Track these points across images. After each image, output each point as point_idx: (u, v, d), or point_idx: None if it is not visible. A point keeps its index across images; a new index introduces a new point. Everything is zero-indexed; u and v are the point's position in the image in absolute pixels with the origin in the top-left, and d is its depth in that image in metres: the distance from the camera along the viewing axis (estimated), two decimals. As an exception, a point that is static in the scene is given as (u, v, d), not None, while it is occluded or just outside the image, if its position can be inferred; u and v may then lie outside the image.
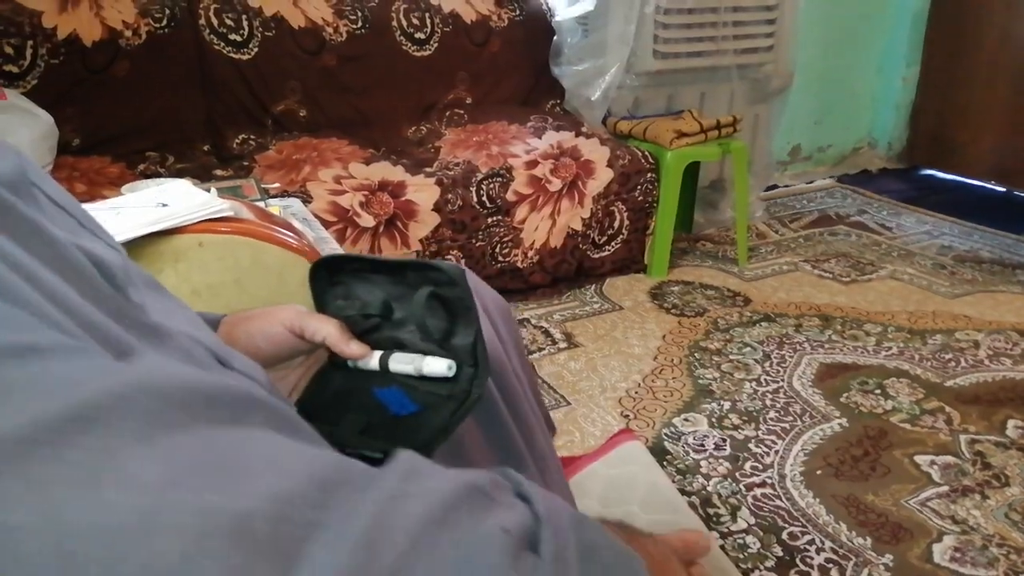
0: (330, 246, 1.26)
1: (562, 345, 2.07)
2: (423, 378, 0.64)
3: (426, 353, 0.65)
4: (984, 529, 1.40)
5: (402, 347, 0.67)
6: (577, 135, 2.38)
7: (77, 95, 2.07)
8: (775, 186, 3.42)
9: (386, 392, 0.64)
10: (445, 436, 0.61)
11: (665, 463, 1.57)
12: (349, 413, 0.65)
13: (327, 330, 0.66)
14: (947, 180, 3.60)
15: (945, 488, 1.51)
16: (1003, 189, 3.41)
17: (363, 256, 0.69)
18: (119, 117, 2.14)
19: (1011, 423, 1.72)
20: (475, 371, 0.63)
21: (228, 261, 1.01)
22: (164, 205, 1.01)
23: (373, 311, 0.67)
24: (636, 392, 1.84)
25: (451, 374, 0.63)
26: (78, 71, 2.06)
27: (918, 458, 1.60)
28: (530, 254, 2.27)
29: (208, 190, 1.04)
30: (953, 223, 3.02)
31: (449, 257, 2.13)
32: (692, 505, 1.44)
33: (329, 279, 0.70)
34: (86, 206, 1.04)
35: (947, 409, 1.77)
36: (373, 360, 0.66)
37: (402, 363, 0.65)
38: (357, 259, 0.69)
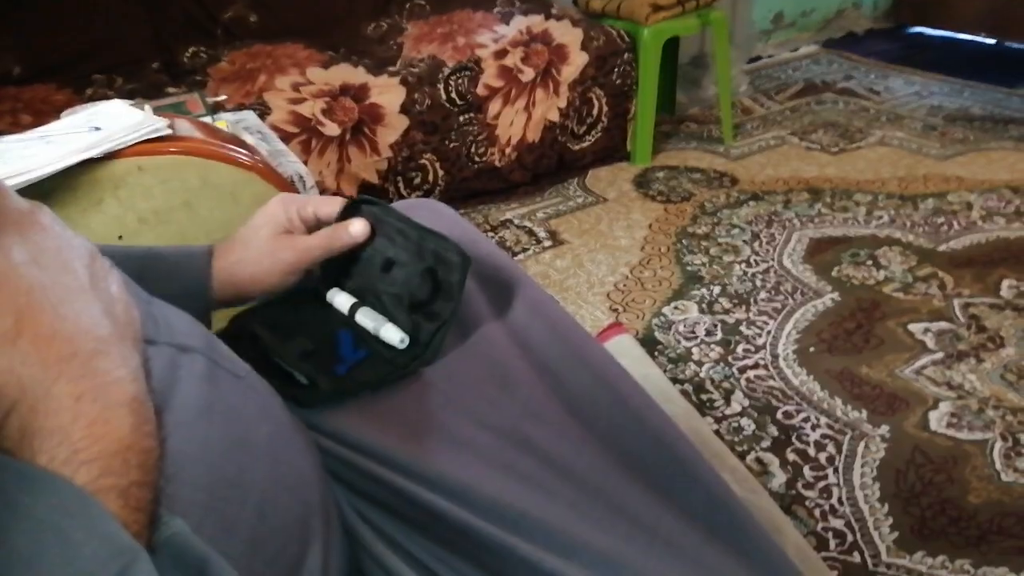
0: (288, 159, 1.19)
1: (547, 244, 2.01)
2: (377, 339, 0.68)
3: (393, 319, 0.69)
4: (980, 393, 1.39)
5: (377, 306, 0.71)
6: (547, 18, 2.25)
7: (12, 20, 1.93)
8: (758, 57, 3.29)
9: (343, 333, 0.70)
10: (368, 390, 0.65)
11: (656, 353, 1.55)
12: (300, 337, 0.69)
13: (330, 210, 0.72)
14: (935, 36, 3.46)
15: (940, 355, 1.49)
16: (993, 41, 3.28)
17: (399, 213, 0.71)
18: (60, 41, 2.00)
19: (1005, 283, 1.70)
20: (424, 351, 0.66)
21: (174, 184, 0.94)
22: (97, 129, 0.94)
23: (374, 261, 0.72)
24: (624, 285, 1.81)
25: (402, 347, 0.66)
26: (8, -7, 1.92)
27: (912, 326, 1.58)
28: (507, 151, 2.18)
29: (143, 108, 0.96)
30: (943, 81, 2.92)
31: (423, 161, 2.05)
32: (685, 393, 1.43)
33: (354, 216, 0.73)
34: (12, 137, 0.97)
35: (940, 274, 1.74)
36: (346, 303, 0.72)
37: (366, 318, 0.69)
38: (392, 212, 0.71)
